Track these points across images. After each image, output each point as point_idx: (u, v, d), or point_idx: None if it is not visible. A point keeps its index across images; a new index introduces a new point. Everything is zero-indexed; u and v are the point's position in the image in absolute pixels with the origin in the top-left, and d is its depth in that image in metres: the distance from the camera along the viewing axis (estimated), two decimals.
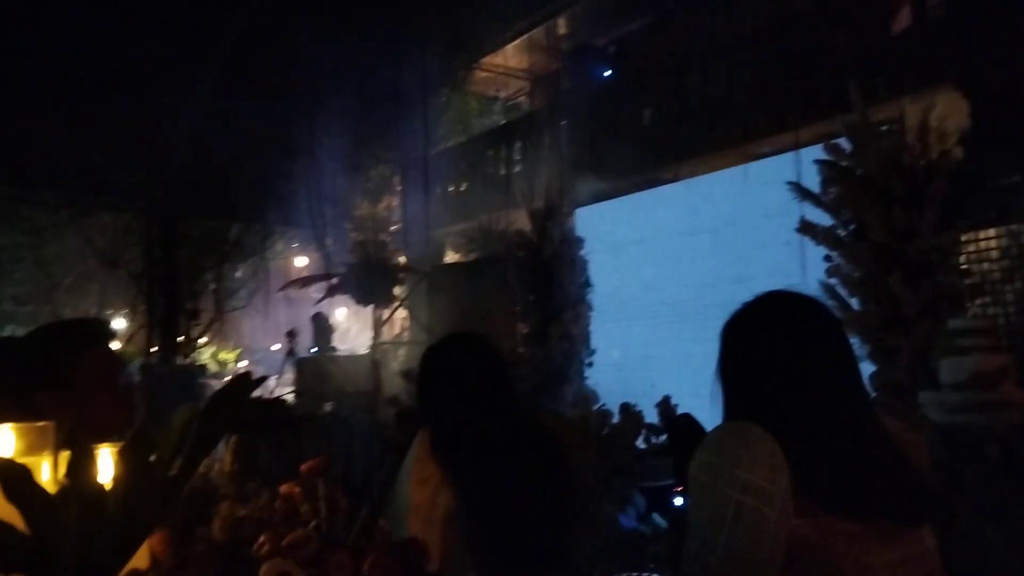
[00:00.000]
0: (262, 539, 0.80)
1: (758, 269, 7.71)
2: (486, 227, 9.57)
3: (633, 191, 9.25)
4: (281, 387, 10.37)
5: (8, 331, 13.05)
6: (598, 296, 8.64)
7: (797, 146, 7.23)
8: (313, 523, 0.85)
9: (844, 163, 5.89)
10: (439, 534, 1.70)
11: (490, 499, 1.73)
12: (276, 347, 19.47)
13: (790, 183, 6.09)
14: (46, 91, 9.57)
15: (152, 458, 0.80)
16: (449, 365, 1.93)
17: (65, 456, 0.88)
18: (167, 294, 11.05)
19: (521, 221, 8.94)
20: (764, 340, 1.50)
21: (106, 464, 0.92)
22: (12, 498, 0.71)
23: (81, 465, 0.75)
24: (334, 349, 10.33)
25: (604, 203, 9.44)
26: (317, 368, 9.22)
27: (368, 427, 7.73)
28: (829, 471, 1.38)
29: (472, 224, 10.19)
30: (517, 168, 11.23)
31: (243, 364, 19.00)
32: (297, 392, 8.98)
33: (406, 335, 12.75)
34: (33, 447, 0.90)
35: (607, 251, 8.95)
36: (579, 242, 8.59)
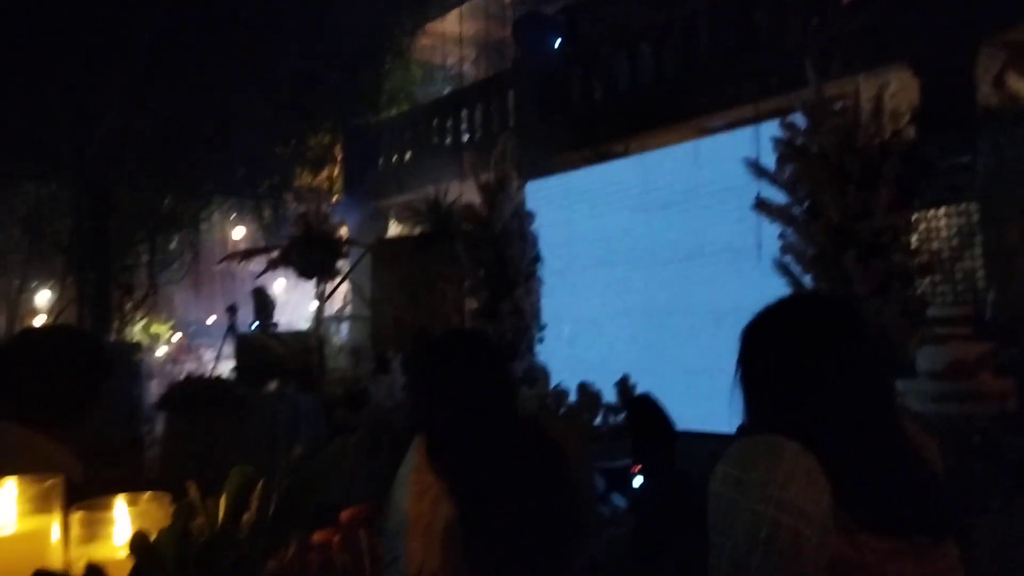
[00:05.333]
0: None
1: (711, 246, 7.72)
2: (433, 200, 9.36)
3: (584, 165, 9.16)
4: (221, 364, 10.07)
5: None
6: (548, 272, 8.56)
7: (752, 120, 7.22)
8: None
9: (799, 141, 5.91)
10: (441, 547, 1.59)
11: (493, 511, 1.62)
12: (211, 320, 18.97)
13: (746, 160, 6.08)
14: None
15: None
16: (447, 367, 1.80)
17: (77, 517, 0.76)
18: (97, 267, 10.56)
19: (470, 194, 8.78)
20: (794, 348, 1.41)
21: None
22: None
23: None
24: (275, 325, 10.06)
25: (554, 177, 9.33)
26: (259, 345, 8.94)
27: (314, 405, 7.54)
28: (867, 488, 1.32)
29: (418, 196, 9.97)
30: (465, 139, 11.02)
31: (176, 337, 18.48)
32: (238, 369, 8.70)
33: (348, 309, 12.52)
34: (41, 506, 0.78)
35: (557, 226, 8.87)
36: (530, 216, 8.49)
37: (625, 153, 8.88)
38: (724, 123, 7.62)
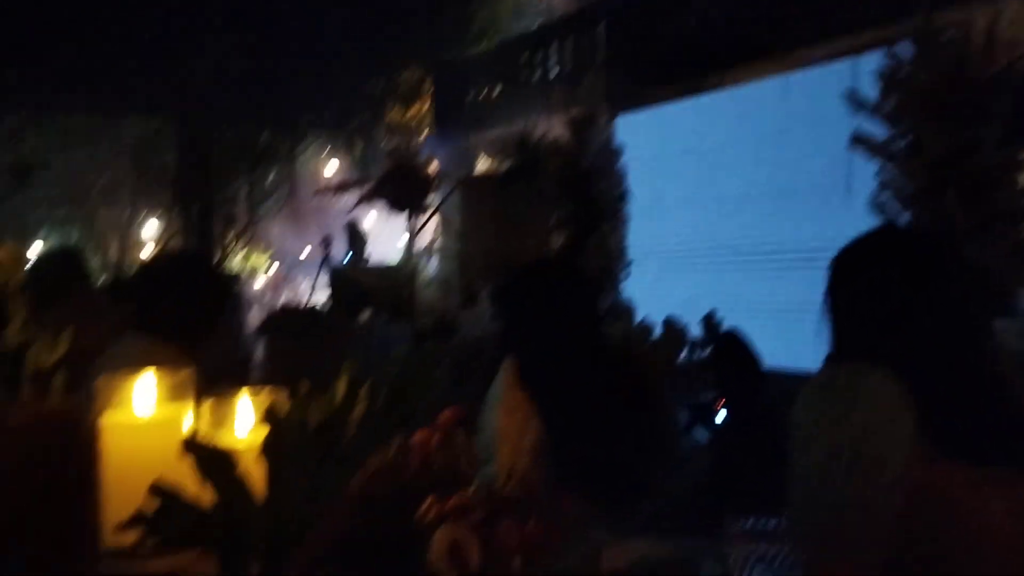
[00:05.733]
0: (428, 503, 0.76)
1: (801, 183, 7.52)
2: (522, 134, 9.36)
3: (675, 98, 8.96)
4: (315, 295, 10.44)
5: (43, 233, 13.19)
6: (635, 207, 8.51)
7: (852, 52, 6.92)
8: (476, 484, 0.81)
9: (904, 72, 5.65)
10: (528, 463, 1.68)
11: (579, 429, 1.70)
12: (306, 252, 19.53)
13: (845, 92, 5.86)
14: None
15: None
16: (538, 292, 1.88)
17: (207, 405, 0.87)
18: (200, 199, 11.02)
19: (558, 129, 8.75)
20: (885, 277, 1.42)
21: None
22: (210, 480, 0.69)
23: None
24: (367, 258, 10.33)
25: (644, 111, 9.17)
26: (351, 277, 9.23)
27: (405, 336, 7.78)
28: (951, 416, 1.33)
29: (507, 131, 9.98)
30: (554, 73, 10.90)
31: (273, 269, 19.10)
32: (332, 301, 9.02)
33: (438, 243, 12.73)
34: (175, 394, 0.89)
35: (646, 160, 8.75)
36: (618, 151, 8.42)
37: (719, 86, 8.64)
38: (822, 54, 7.32)
